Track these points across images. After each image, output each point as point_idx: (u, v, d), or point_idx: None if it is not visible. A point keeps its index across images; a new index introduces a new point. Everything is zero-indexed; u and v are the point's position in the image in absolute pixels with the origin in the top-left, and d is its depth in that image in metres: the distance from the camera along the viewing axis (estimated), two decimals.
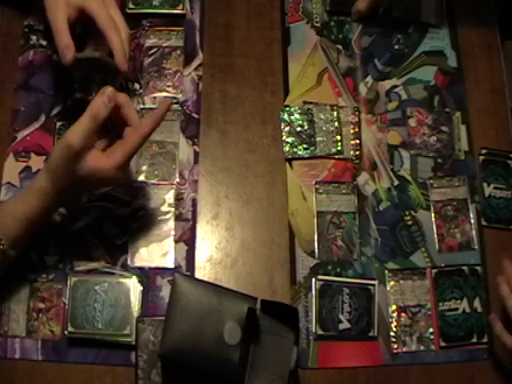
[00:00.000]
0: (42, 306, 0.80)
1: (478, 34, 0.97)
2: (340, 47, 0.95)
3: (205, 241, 0.85)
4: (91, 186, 0.79)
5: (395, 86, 0.94)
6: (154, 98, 0.90)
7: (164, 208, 0.85)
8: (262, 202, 0.87)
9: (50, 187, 0.73)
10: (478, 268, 0.86)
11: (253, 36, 0.94)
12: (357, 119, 0.91)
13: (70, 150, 0.70)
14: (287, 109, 0.91)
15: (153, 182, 0.86)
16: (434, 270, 0.85)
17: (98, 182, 0.76)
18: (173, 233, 0.84)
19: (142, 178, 0.86)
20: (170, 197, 0.85)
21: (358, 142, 0.90)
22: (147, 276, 0.82)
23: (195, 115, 0.90)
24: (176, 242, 0.84)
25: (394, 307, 0.83)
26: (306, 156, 0.89)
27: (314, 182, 0.88)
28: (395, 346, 0.82)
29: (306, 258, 0.84)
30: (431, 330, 0.83)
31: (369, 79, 0.94)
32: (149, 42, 0.92)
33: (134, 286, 0.80)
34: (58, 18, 0.76)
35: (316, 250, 0.85)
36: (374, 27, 0.96)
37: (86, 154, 0.71)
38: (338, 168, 0.89)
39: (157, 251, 0.83)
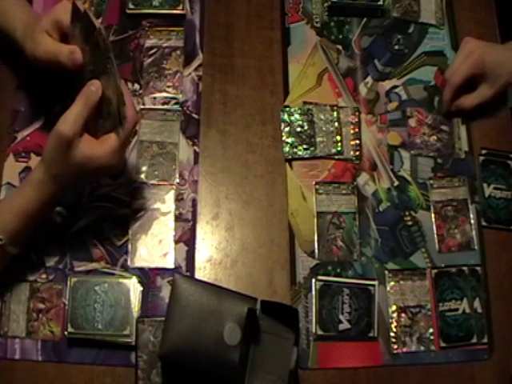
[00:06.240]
0: (41, 306, 0.80)
1: (478, 34, 0.96)
2: (340, 47, 0.95)
3: (205, 241, 0.85)
4: (88, 175, 0.77)
5: (395, 87, 0.94)
6: (154, 98, 0.90)
7: (164, 208, 0.85)
8: (262, 202, 0.87)
9: (46, 177, 0.73)
10: (478, 268, 0.85)
11: (253, 36, 0.94)
12: (357, 119, 0.91)
13: (62, 139, 0.70)
14: (287, 109, 0.91)
15: (153, 182, 0.86)
16: (434, 271, 0.85)
17: (95, 170, 0.74)
18: (173, 233, 0.84)
19: (142, 178, 0.86)
20: (170, 197, 0.85)
21: (357, 142, 0.90)
22: (147, 276, 0.82)
23: (195, 115, 0.90)
24: (176, 242, 0.84)
25: (394, 307, 0.83)
26: (306, 156, 0.89)
27: (313, 183, 0.88)
28: (395, 346, 0.82)
29: (305, 258, 0.84)
30: (431, 330, 0.83)
31: (369, 79, 0.94)
32: (149, 43, 0.92)
33: (133, 286, 0.80)
34: (46, 42, 0.76)
35: (316, 251, 0.85)
36: (373, 27, 0.96)
37: (79, 141, 0.71)
38: (337, 168, 0.89)
39: (157, 252, 0.83)
